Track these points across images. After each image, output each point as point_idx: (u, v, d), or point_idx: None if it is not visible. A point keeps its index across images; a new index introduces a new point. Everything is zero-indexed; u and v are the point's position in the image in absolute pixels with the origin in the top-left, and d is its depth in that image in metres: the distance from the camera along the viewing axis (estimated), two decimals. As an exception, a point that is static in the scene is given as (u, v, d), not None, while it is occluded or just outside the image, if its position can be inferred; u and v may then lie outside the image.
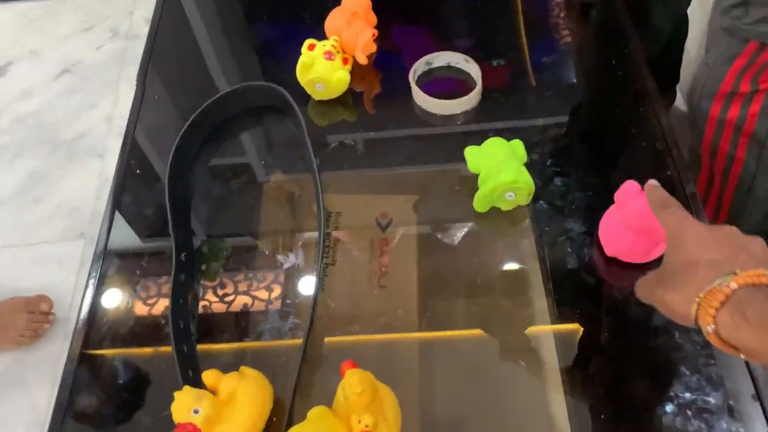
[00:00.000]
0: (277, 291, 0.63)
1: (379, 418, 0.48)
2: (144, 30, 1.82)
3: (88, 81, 1.69)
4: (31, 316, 1.21)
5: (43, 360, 1.21)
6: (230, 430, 0.50)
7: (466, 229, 0.66)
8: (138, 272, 0.66)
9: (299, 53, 0.75)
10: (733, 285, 0.37)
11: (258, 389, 0.52)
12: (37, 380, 1.19)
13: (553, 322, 0.59)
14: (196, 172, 0.74)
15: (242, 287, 0.64)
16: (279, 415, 0.54)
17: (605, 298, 0.61)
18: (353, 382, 0.47)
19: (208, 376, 0.52)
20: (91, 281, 0.65)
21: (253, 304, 0.62)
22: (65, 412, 0.57)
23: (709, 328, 0.38)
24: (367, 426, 0.47)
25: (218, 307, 0.63)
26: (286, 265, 0.65)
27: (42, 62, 1.75)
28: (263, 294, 0.63)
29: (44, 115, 1.62)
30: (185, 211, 0.70)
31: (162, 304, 0.63)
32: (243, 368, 0.54)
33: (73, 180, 1.48)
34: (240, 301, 0.63)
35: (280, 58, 0.84)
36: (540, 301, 0.60)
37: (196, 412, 0.48)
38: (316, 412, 0.50)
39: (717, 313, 0.38)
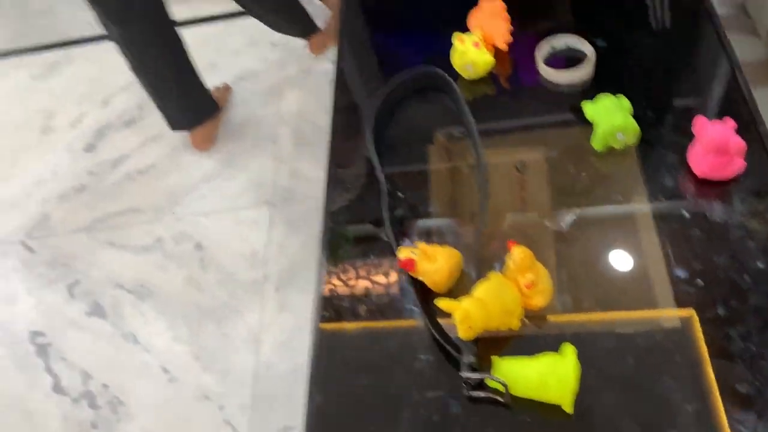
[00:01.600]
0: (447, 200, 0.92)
1: (537, 279, 0.75)
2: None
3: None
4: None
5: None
6: (436, 267, 0.78)
7: (584, 164, 0.91)
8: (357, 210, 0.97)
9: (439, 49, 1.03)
10: None
11: (453, 251, 0.81)
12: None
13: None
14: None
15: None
16: (466, 277, 0.83)
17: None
18: (518, 251, 0.74)
19: (419, 243, 0.81)
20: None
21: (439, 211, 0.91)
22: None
23: None
24: (531, 281, 0.74)
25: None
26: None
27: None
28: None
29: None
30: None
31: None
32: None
33: (254, 162, 1.86)
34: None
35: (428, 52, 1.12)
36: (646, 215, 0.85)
37: (413, 253, 0.79)
38: (494, 274, 0.77)
39: None
